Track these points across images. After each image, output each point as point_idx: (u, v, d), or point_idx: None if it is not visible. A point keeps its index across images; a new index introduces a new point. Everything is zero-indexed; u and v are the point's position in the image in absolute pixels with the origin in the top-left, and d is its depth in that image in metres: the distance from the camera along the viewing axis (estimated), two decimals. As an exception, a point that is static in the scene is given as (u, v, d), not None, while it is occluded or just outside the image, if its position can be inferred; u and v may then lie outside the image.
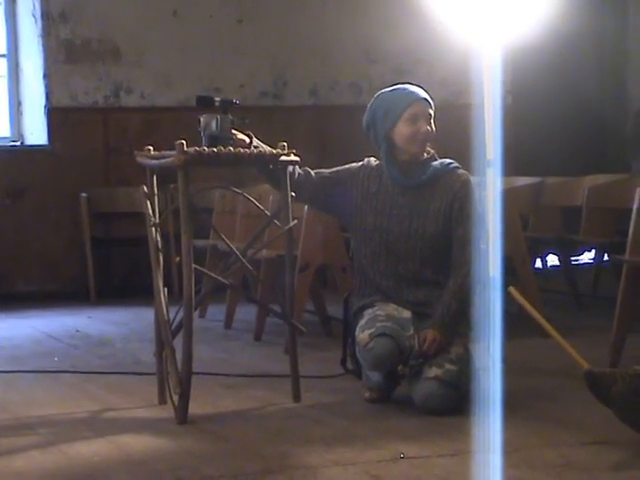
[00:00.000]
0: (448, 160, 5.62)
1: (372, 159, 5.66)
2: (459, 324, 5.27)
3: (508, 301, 5.33)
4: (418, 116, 5.51)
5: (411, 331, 5.36)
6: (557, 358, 5.43)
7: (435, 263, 5.47)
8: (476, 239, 5.31)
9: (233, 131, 5.30)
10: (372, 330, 5.32)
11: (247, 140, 5.35)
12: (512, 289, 5.35)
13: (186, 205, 5.09)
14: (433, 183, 5.56)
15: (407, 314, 5.40)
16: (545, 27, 10.76)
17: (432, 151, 5.63)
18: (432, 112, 5.57)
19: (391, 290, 5.49)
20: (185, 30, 10.46)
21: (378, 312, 5.41)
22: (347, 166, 5.69)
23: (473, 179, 5.58)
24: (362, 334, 5.37)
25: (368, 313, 5.44)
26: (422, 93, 5.60)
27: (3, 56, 10.56)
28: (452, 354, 5.28)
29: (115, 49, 10.34)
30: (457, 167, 5.60)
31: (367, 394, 5.47)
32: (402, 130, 5.45)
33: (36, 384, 6.13)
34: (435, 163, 5.60)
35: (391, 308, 5.42)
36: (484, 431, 4.46)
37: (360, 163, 5.68)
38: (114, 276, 10.10)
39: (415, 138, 5.49)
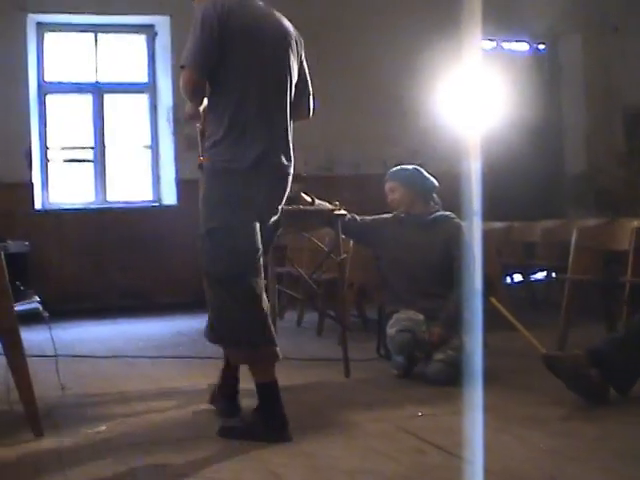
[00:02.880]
0: (447, 212, 5.62)
1: (400, 211, 5.69)
2: (456, 324, 5.23)
3: (488, 306, 5.30)
4: (387, 191, 5.73)
5: (424, 328, 5.33)
6: (522, 345, 5.38)
7: (439, 283, 5.45)
8: (467, 266, 5.28)
9: (302, 194, 5.30)
10: (398, 327, 5.31)
11: (310, 200, 5.36)
12: (492, 299, 5.33)
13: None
14: (436, 228, 5.55)
15: (421, 317, 5.37)
16: (506, 119, 10.80)
17: (437, 206, 5.64)
18: (395, 185, 5.70)
19: (410, 300, 5.47)
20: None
21: (402, 315, 5.39)
22: (382, 215, 5.73)
23: (464, 224, 5.57)
24: (391, 330, 5.36)
25: (395, 316, 5.42)
26: (392, 172, 5.77)
27: (149, 147, 10.64)
28: (452, 344, 5.24)
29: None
30: (453, 217, 5.59)
31: (394, 372, 5.43)
32: None
33: (173, 365, 6.13)
34: (437, 213, 5.60)
35: (410, 313, 5.39)
36: (474, 396, 4.42)
37: (391, 214, 5.70)
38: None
39: (390, 206, 5.72)
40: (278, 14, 4.30)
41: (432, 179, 5.70)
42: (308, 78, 4.43)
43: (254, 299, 4.02)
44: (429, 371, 5.23)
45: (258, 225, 4.08)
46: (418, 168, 5.74)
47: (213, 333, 4.16)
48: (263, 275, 4.13)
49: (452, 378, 5.02)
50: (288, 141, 4.21)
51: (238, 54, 4.02)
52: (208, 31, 3.97)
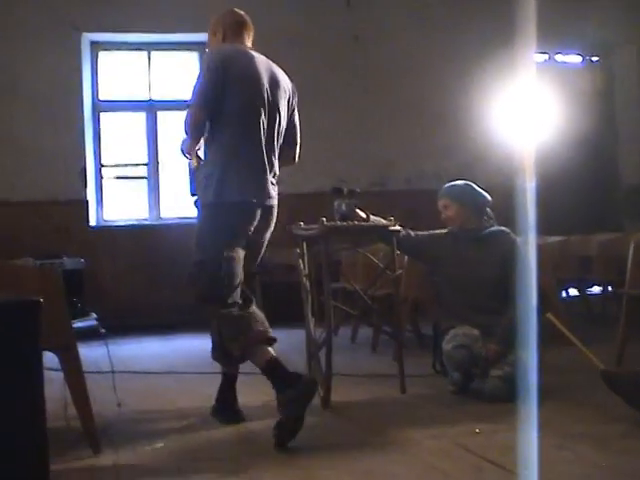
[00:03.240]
0: (502, 227, 5.60)
1: (454, 227, 5.66)
2: (512, 339, 5.19)
3: (544, 321, 5.26)
4: (440, 208, 5.71)
5: (480, 344, 5.30)
6: (580, 360, 5.33)
7: (494, 298, 5.42)
8: (522, 281, 5.24)
9: (357, 210, 5.32)
10: (454, 343, 5.30)
11: (365, 216, 5.36)
12: (550, 314, 5.30)
13: (326, 261, 5.10)
14: (490, 243, 5.53)
15: (477, 332, 5.36)
16: (560, 131, 10.75)
17: (491, 221, 5.62)
18: (447, 202, 5.67)
19: (465, 316, 5.44)
20: (319, 141, 10.50)
21: (457, 331, 5.38)
22: (437, 231, 5.72)
23: (519, 239, 5.53)
24: (447, 345, 5.35)
25: (451, 332, 5.41)
26: (444, 190, 5.75)
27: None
28: (508, 360, 5.21)
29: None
30: (508, 232, 5.57)
31: (451, 388, 5.40)
32: None
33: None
34: (492, 228, 5.58)
35: (466, 328, 5.38)
36: (530, 412, 4.38)
37: (446, 230, 5.69)
38: (275, 308, 10.10)
39: (444, 223, 5.72)
40: (275, 65, 4.82)
41: (485, 194, 5.68)
42: (298, 128, 4.95)
43: (234, 307, 4.65)
44: (486, 388, 5.20)
45: (243, 253, 4.65)
46: (470, 183, 5.72)
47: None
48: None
49: (510, 394, 4.99)
50: (274, 180, 4.75)
51: (236, 98, 4.54)
52: (214, 76, 4.51)
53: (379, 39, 10.72)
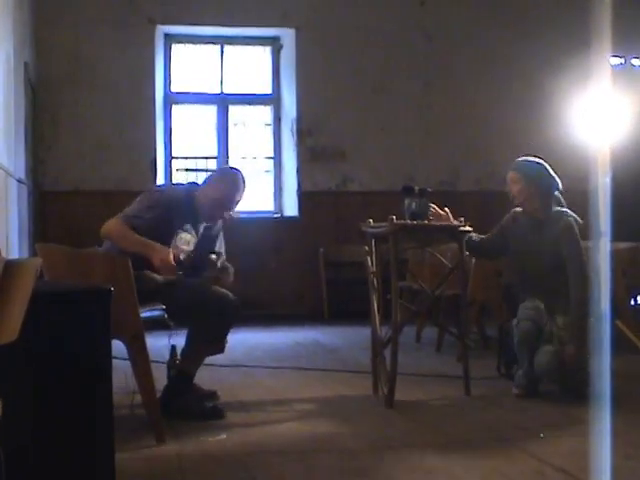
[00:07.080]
0: (565, 210, 5.47)
1: (516, 209, 5.60)
2: (586, 337, 5.05)
3: (614, 329, 5.21)
4: (508, 180, 5.57)
5: (545, 319, 5.27)
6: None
7: (554, 279, 5.31)
8: (583, 267, 5.18)
9: (436, 208, 5.29)
10: (522, 316, 5.27)
11: (444, 214, 5.34)
12: (618, 322, 5.24)
13: (395, 259, 5.09)
14: (549, 224, 5.43)
15: (542, 306, 5.29)
16: (635, 136, 10.62)
17: (561, 206, 5.49)
18: (516, 176, 5.53)
19: (530, 292, 5.38)
20: (389, 140, 10.51)
21: (527, 304, 5.33)
22: (503, 221, 5.62)
23: (578, 222, 5.39)
24: (515, 320, 5.35)
25: (521, 306, 5.37)
26: (515, 163, 5.64)
27: (271, 158, 10.79)
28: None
29: (342, 152, 10.45)
30: (567, 214, 5.43)
31: (516, 391, 5.35)
32: None
33: (291, 376, 6.18)
34: (553, 210, 5.46)
35: (536, 302, 5.30)
36: (599, 419, 4.33)
37: (509, 215, 5.61)
38: (340, 304, 10.13)
39: (511, 197, 5.55)
40: None
41: (555, 178, 5.54)
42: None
43: None
44: (539, 360, 5.21)
45: None
46: (543, 163, 5.57)
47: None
48: None
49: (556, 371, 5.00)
50: None
51: None
52: None
53: (452, 39, 10.69)
